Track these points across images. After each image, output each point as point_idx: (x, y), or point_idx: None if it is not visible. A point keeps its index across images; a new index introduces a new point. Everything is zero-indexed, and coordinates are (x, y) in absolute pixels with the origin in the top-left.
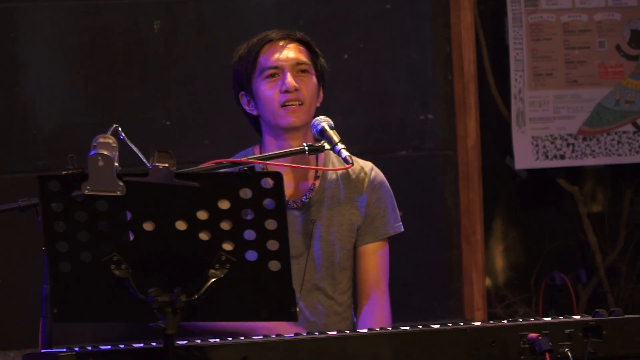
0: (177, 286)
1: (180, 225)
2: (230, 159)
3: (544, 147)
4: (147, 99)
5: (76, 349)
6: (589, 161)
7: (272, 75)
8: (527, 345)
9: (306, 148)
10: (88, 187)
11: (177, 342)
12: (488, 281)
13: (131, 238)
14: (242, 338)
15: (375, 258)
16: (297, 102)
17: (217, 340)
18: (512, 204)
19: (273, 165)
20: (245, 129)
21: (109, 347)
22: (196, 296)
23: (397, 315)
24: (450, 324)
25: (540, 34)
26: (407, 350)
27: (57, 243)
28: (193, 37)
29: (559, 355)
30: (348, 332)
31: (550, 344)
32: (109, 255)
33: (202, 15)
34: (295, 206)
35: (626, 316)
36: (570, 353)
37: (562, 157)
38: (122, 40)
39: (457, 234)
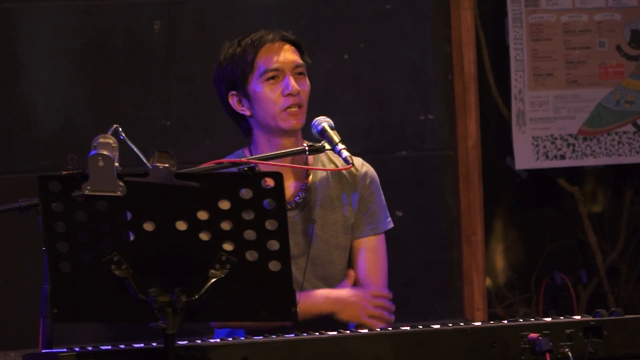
0: (178, 286)
1: (181, 226)
2: (231, 159)
3: (545, 147)
4: (147, 99)
5: (76, 349)
6: (589, 161)
7: (273, 78)
8: (527, 346)
9: (307, 148)
10: (88, 188)
11: (178, 342)
12: (488, 281)
13: (131, 238)
14: (243, 338)
15: (368, 252)
16: (297, 106)
17: (218, 340)
18: (512, 204)
19: (271, 166)
20: None
21: (110, 347)
22: (196, 296)
23: (398, 315)
24: (450, 324)
25: (541, 34)
26: (408, 351)
27: (58, 243)
28: (193, 37)
29: (559, 356)
30: (348, 332)
31: (551, 344)
32: (109, 255)
33: (202, 15)
34: (289, 207)
35: (626, 316)
36: (571, 353)
37: (563, 157)
38: (122, 40)
39: (457, 234)
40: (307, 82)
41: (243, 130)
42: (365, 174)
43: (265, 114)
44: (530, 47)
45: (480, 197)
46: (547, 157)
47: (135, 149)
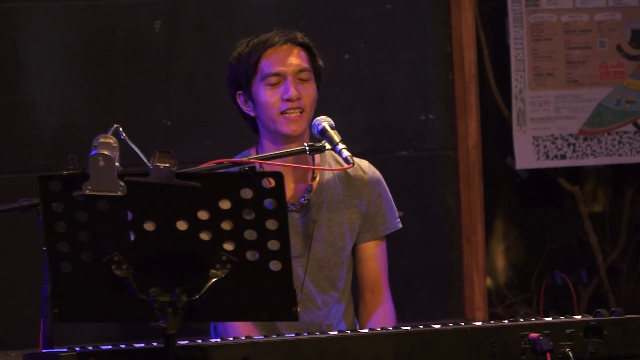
0: (178, 286)
1: (181, 225)
2: (231, 159)
3: (545, 147)
4: (147, 99)
5: (77, 349)
6: (589, 161)
7: (274, 82)
8: (528, 345)
9: (307, 148)
10: (89, 187)
11: (178, 342)
12: (489, 281)
13: (132, 238)
14: (243, 338)
15: (376, 255)
16: (298, 111)
17: (218, 340)
18: (513, 204)
19: (273, 166)
20: (245, 129)
21: (110, 347)
22: (197, 296)
23: (398, 315)
24: (451, 324)
25: (541, 34)
26: (408, 350)
27: (58, 243)
28: (193, 37)
29: (560, 355)
30: (349, 332)
31: (551, 343)
32: (109, 255)
33: (202, 15)
34: (294, 209)
35: (627, 316)
36: (571, 353)
37: (563, 157)
38: (122, 40)
39: (457, 234)
40: (312, 87)
41: (252, 128)
42: (372, 176)
43: (266, 117)
44: (531, 47)
45: (480, 197)
46: (548, 157)
47: (136, 149)
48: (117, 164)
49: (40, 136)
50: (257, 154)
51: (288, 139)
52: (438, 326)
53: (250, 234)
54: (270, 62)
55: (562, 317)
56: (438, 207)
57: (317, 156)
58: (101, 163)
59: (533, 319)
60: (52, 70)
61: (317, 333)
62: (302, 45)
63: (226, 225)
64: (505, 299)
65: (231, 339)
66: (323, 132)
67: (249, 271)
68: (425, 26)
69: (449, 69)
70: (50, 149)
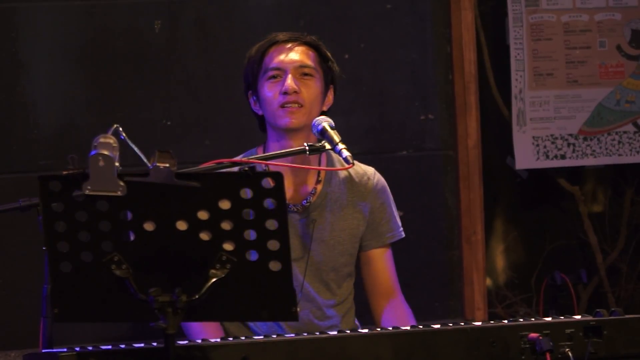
0: (178, 286)
1: (181, 225)
2: (231, 159)
3: (545, 147)
4: (147, 99)
5: (77, 349)
6: (589, 161)
7: (274, 77)
8: (527, 345)
9: (307, 148)
10: (89, 187)
11: (178, 341)
12: (489, 281)
13: (132, 238)
14: (243, 338)
15: (385, 262)
16: (296, 104)
17: (218, 340)
18: (512, 204)
19: (274, 166)
20: (246, 129)
21: (110, 347)
22: (197, 296)
23: None
24: (451, 324)
25: (541, 34)
26: (408, 350)
27: (58, 243)
28: (193, 37)
29: (559, 355)
30: (348, 332)
31: (551, 343)
32: (109, 255)
33: (202, 15)
34: (295, 210)
35: (627, 316)
36: (571, 353)
37: (563, 157)
38: (122, 40)
39: (457, 234)
40: (315, 84)
41: (261, 129)
42: (377, 183)
43: (267, 112)
44: (531, 47)
45: (480, 197)
46: (548, 156)
47: (136, 149)
48: (117, 164)
49: (40, 136)
50: (264, 152)
51: (288, 133)
52: (438, 326)
53: (250, 234)
54: (271, 57)
55: (562, 317)
56: (438, 207)
57: (324, 159)
58: (101, 163)
59: (533, 319)
60: (52, 70)
61: (317, 333)
62: (309, 45)
63: (226, 225)
64: (505, 299)
65: (231, 339)
66: (323, 132)
67: (249, 271)
68: (425, 26)
69: (448, 69)
70: (50, 149)
